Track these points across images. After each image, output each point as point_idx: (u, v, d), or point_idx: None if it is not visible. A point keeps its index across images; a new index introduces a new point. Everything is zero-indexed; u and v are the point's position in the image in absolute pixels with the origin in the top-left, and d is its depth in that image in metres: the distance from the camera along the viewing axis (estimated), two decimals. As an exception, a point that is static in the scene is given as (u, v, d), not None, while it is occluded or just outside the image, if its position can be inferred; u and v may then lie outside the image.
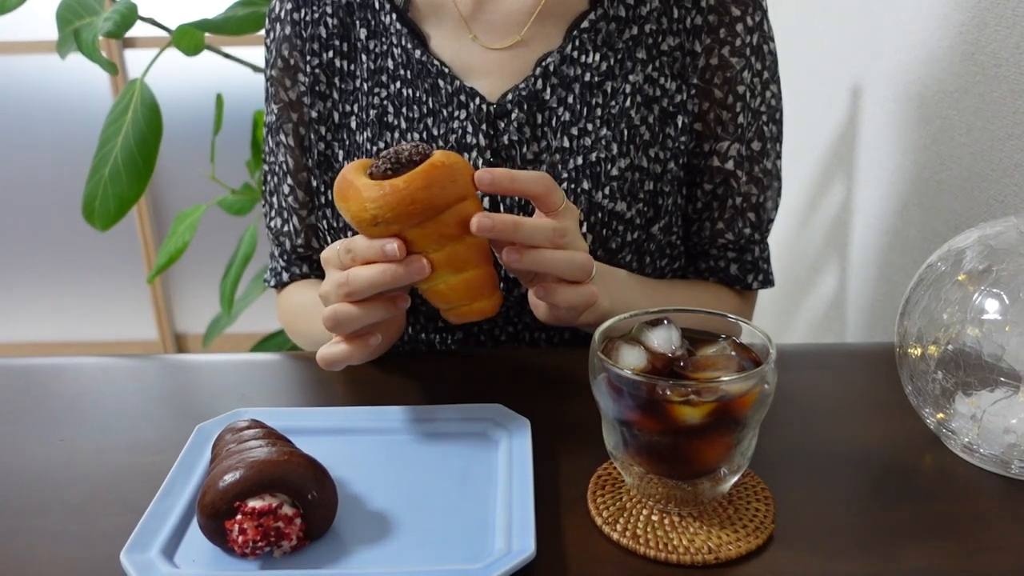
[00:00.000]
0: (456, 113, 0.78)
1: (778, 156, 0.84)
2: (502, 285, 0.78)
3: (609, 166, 0.77)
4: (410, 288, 0.66)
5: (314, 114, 0.82)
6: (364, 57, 0.80)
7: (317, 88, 0.81)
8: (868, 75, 1.16)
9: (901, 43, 1.04)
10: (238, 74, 1.62)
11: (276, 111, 0.84)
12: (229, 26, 1.36)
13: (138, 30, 1.38)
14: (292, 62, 0.82)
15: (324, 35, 0.81)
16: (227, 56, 1.55)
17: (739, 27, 0.78)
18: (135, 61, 2.38)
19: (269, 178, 0.87)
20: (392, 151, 0.60)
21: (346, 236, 0.83)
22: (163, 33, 1.43)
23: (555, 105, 0.77)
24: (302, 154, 0.84)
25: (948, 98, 0.93)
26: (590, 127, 0.77)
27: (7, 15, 1.35)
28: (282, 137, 0.84)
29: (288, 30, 0.82)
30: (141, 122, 1.30)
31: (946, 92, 0.93)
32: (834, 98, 1.28)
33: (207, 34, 1.38)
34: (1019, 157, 0.80)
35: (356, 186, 0.59)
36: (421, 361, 0.78)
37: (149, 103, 1.31)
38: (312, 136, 0.83)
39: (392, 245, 0.59)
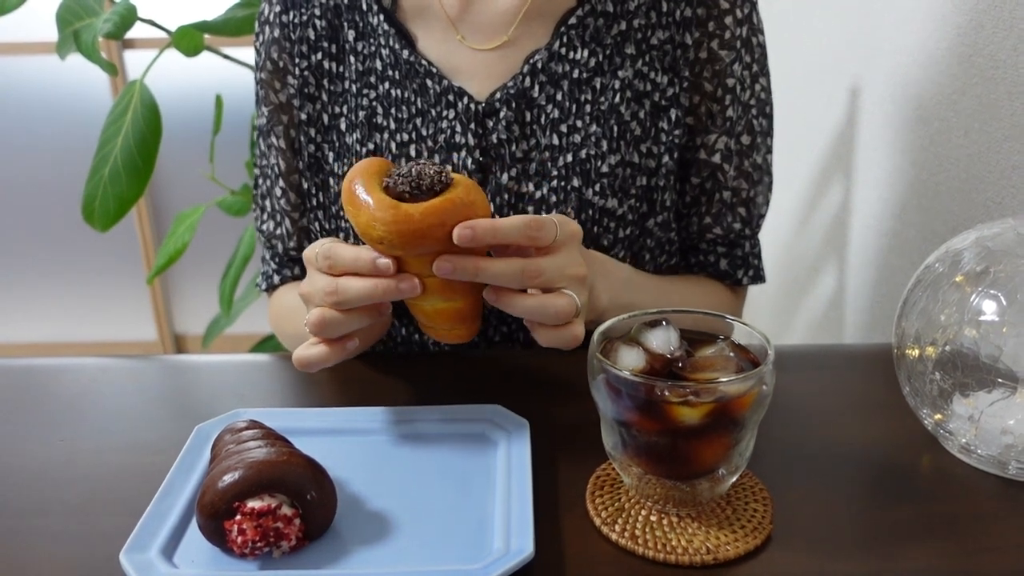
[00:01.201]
0: (444, 113, 0.78)
1: (769, 151, 0.84)
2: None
3: (599, 163, 0.77)
4: None
5: (303, 116, 0.82)
6: (352, 59, 0.80)
7: (306, 90, 0.82)
8: (867, 75, 1.16)
9: (900, 44, 1.05)
10: (237, 75, 1.62)
11: (267, 113, 0.84)
12: (228, 27, 1.37)
13: (138, 31, 1.38)
14: (281, 64, 0.82)
15: (313, 37, 0.81)
16: (226, 57, 1.55)
17: (728, 20, 0.78)
18: (135, 62, 2.38)
19: (261, 181, 0.87)
20: (415, 171, 0.58)
21: (338, 238, 0.83)
22: (163, 34, 1.44)
23: (544, 103, 0.77)
24: (293, 156, 0.84)
25: (946, 100, 0.93)
26: (579, 124, 0.77)
27: (7, 16, 1.36)
28: (273, 140, 0.84)
29: (277, 32, 0.82)
30: (141, 123, 1.30)
31: (944, 94, 0.93)
32: (833, 98, 1.28)
33: (206, 35, 1.38)
34: (1016, 159, 0.80)
35: (369, 200, 0.57)
36: (419, 363, 0.78)
37: (149, 104, 1.31)
38: (302, 138, 0.83)
39: (385, 261, 0.58)
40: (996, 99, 0.83)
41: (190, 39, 1.37)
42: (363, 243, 0.60)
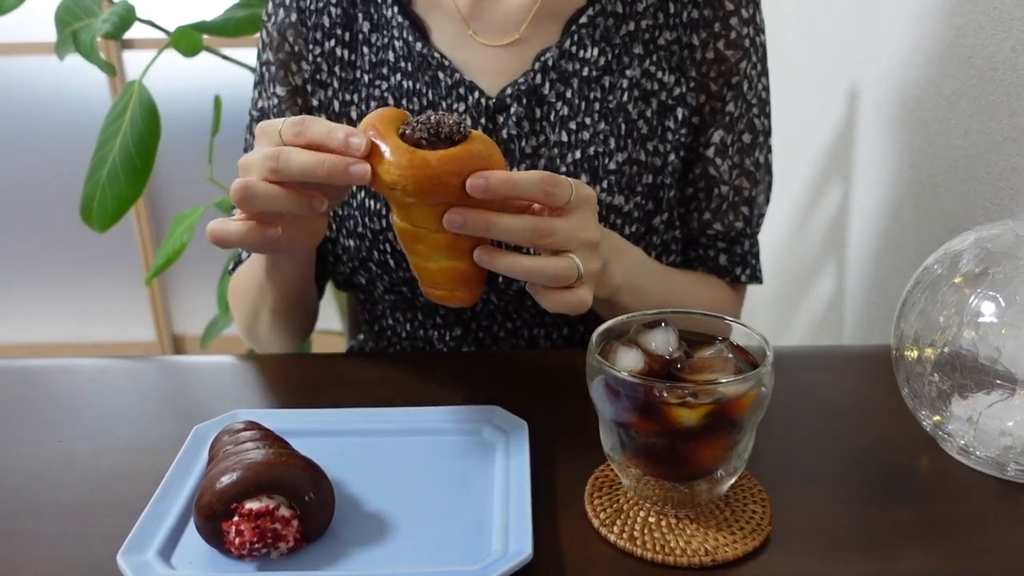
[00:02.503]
0: (455, 106, 0.78)
1: (769, 150, 0.85)
2: (500, 279, 0.78)
3: (607, 160, 0.78)
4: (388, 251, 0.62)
5: (315, 102, 0.83)
6: (366, 49, 0.81)
7: (318, 77, 0.82)
8: (865, 77, 1.16)
9: (898, 46, 1.05)
10: (236, 76, 1.62)
11: (284, 95, 0.83)
12: (227, 28, 1.37)
13: (136, 31, 1.38)
14: (296, 49, 0.82)
15: (327, 24, 0.81)
16: (225, 58, 1.55)
17: (733, 20, 0.79)
18: (133, 62, 2.38)
19: None
20: (433, 120, 0.57)
21: (335, 225, 0.83)
22: (161, 35, 1.43)
23: (553, 100, 0.78)
24: None
25: (945, 101, 0.93)
26: (588, 121, 0.78)
27: (6, 16, 1.35)
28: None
29: (294, 17, 0.82)
30: (139, 123, 1.30)
31: (943, 95, 0.93)
32: (831, 100, 1.28)
33: (205, 36, 1.38)
34: (1016, 160, 0.80)
35: (385, 145, 0.56)
36: (418, 363, 0.78)
37: (147, 104, 1.31)
38: None
39: (359, 140, 0.55)
40: (995, 101, 0.83)
41: (189, 40, 1.37)
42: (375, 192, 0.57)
